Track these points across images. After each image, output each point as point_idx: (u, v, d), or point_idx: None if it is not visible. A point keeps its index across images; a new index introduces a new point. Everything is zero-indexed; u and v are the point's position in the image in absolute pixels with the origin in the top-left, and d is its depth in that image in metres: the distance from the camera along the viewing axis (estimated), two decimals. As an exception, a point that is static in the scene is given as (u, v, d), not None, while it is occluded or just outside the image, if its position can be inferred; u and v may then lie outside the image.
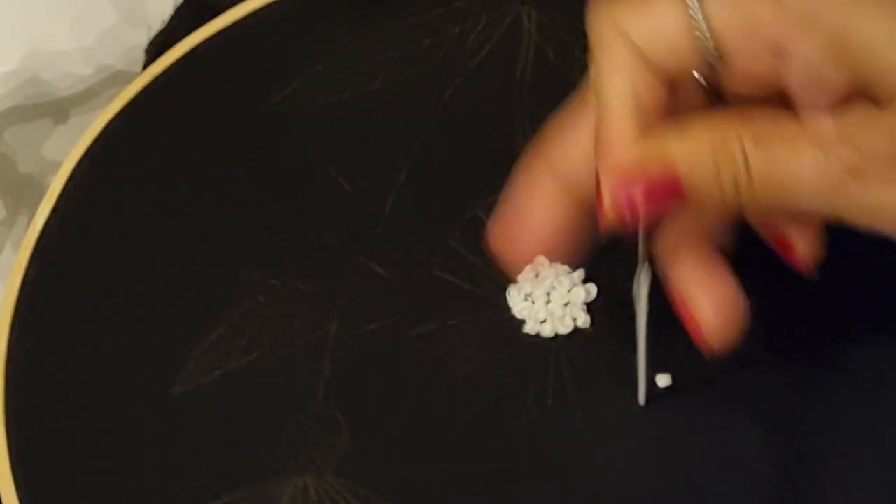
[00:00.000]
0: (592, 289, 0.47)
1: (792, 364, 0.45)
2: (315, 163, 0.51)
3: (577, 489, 0.44)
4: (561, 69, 0.52)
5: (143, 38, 0.57)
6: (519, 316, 0.47)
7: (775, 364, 0.45)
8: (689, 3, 0.36)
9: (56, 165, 0.51)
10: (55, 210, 0.51)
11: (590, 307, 0.46)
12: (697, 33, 0.36)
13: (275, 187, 0.51)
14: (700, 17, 0.36)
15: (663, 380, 0.45)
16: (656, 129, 0.37)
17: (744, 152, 0.35)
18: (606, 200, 0.38)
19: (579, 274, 0.47)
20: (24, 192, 0.57)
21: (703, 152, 0.36)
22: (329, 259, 0.49)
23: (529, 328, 0.46)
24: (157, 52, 0.55)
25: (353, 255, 0.49)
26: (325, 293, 0.48)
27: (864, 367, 0.44)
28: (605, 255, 0.47)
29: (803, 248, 0.39)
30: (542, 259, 0.47)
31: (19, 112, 0.55)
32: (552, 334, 0.46)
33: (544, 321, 0.46)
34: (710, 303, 0.40)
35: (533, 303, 0.47)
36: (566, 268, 0.47)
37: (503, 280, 0.47)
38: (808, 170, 0.35)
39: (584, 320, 0.46)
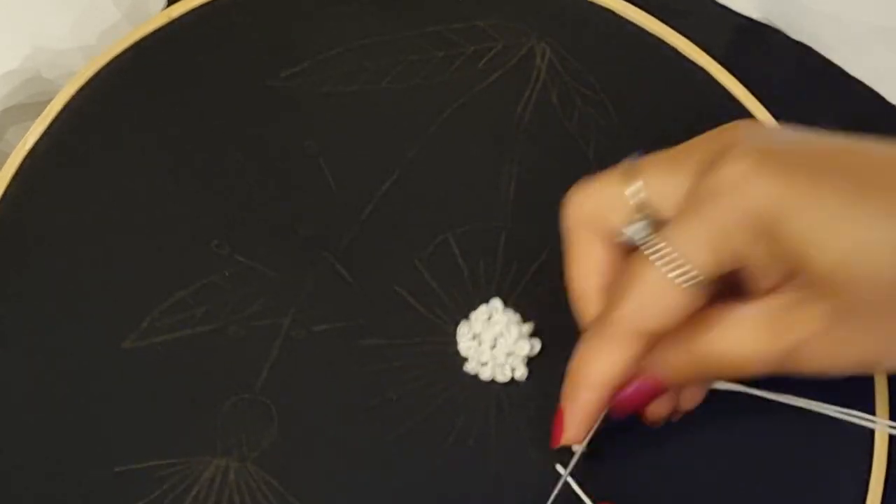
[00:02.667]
0: (537, 344, 0.49)
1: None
2: (307, 151, 0.52)
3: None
4: (559, 115, 0.54)
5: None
6: (463, 353, 0.49)
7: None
8: (674, 271, 0.42)
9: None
10: (31, 154, 0.52)
11: (530, 361, 0.49)
12: (693, 282, 0.42)
13: (263, 166, 0.52)
14: (683, 275, 0.42)
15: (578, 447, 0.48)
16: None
17: (706, 361, 0.43)
18: (570, 429, 0.45)
19: (528, 327, 0.49)
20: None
21: (678, 366, 0.44)
22: (299, 251, 0.50)
23: (470, 367, 0.49)
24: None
25: (322, 252, 0.50)
26: (287, 283, 0.50)
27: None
28: (556, 312, 0.49)
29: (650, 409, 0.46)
30: (497, 303, 0.49)
31: (21, 111, 0.55)
32: (489, 378, 0.49)
33: (485, 364, 0.49)
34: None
35: (480, 344, 0.49)
36: (518, 317, 0.49)
37: (457, 312, 0.50)
38: (755, 360, 0.42)
39: (521, 373, 0.49)
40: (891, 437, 0.48)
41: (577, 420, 0.45)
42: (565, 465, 0.46)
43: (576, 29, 0.56)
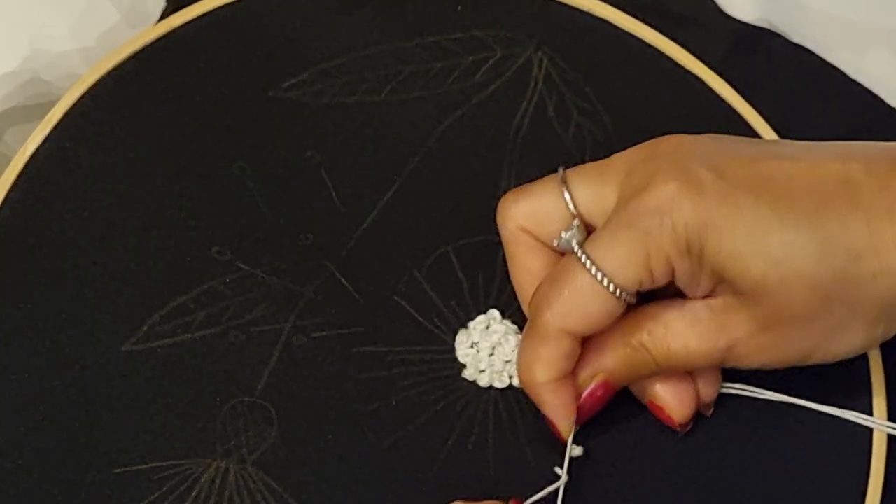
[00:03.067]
0: (534, 352, 0.50)
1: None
2: (308, 161, 0.53)
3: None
4: (556, 127, 0.54)
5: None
6: (462, 360, 0.50)
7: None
8: (600, 280, 0.45)
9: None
10: (32, 160, 0.52)
11: (528, 368, 0.50)
12: (621, 295, 0.46)
13: (264, 175, 0.53)
14: (615, 288, 0.45)
15: (577, 450, 0.48)
16: (587, 354, 0.47)
17: (650, 353, 0.46)
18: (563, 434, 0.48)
19: (526, 335, 0.50)
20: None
21: (624, 362, 0.47)
22: (300, 259, 0.51)
23: (468, 374, 0.49)
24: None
25: (322, 260, 0.51)
26: (288, 290, 0.50)
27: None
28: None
29: (675, 410, 0.48)
30: (494, 313, 0.50)
31: (20, 112, 0.55)
32: (487, 385, 0.49)
33: (483, 371, 0.49)
34: (671, 396, 0.49)
35: (478, 352, 0.50)
36: (515, 327, 0.50)
37: (455, 323, 0.50)
38: (696, 350, 0.46)
39: (518, 380, 0.49)
40: (889, 436, 0.49)
41: (556, 416, 0.47)
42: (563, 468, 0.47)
43: (573, 38, 0.56)
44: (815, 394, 0.49)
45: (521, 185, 0.53)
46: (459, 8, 0.56)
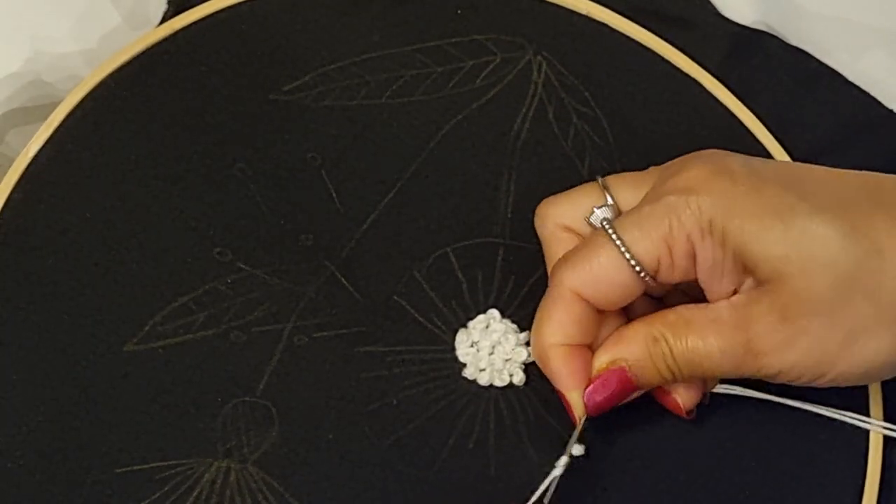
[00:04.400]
0: (534, 352, 0.50)
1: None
2: (310, 163, 0.53)
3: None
4: (555, 131, 0.55)
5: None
6: (462, 359, 0.50)
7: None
8: (623, 252, 0.46)
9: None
10: (34, 161, 0.52)
11: (527, 367, 0.50)
12: (637, 268, 0.46)
13: (265, 177, 0.53)
14: (631, 257, 0.46)
15: (577, 449, 0.48)
16: (606, 342, 0.48)
17: (668, 346, 0.46)
18: (576, 410, 0.48)
19: (525, 335, 0.50)
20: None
21: (642, 353, 0.47)
22: (301, 260, 0.51)
23: (469, 373, 0.50)
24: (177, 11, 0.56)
25: (323, 261, 0.51)
26: (289, 290, 0.51)
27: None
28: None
29: (683, 394, 0.48)
30: (494, 312, 0.50)
31: (21, 114, 0.55)
32: (487, 384, 0.50)
33: (484, 370, 0.50)
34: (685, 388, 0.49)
35: (478, 351, 0.50)
36: (515, 326, 0.50)
37: (455, 322, 0.50)
38: (713, 349, 0.46)
39: (519, 378, 0.50)
40: (885, 437, 0.49)
41: (568, 387, 0.47)
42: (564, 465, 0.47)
43: (571, 42, 0.57)
44: (812, 395, 0.49)
45: (520, 188, 0.53)
46: (459, 12, 0.57)
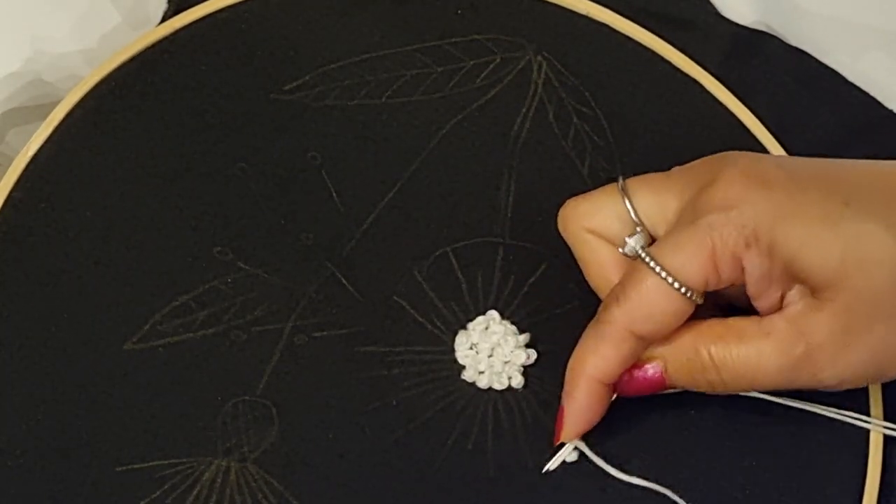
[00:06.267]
0: (533, 354, 0.50)
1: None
2: (310, 162, 0.53)
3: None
4: (556, 131, 0.55)
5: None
6: (461, 361, 0.50)
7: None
8: (666, 279, 0.45)
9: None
10: (34, 160, 0.52)
11: (526, 370, 0.50)
12: (686, 293, 0.45)
13: (266, 176, 0.53)
14: (680, 285, 0.45)
15: (573, 455, 0.48)
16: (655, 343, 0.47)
17: (712, 358, 0.45)
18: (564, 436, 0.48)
19: (525, 337, 0.50)
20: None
21: (683, 361, 0.46)
22: (301, 259, 0.51)
23: (468, 375, 0.50)
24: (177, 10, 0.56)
25: (323, 261, 0.51)
26: (289, 290, 0.51)
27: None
28: (552, 323, 0.50)
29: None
30: (494, 314, 0.50)
31: (21, 114, 0.56)
32: (486, 386, 0.50)
33: (483, 372, 0.50)
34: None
35: (477, 353, 0.50)
36: (514, 328, 0.50)
37: (455, 323, 0.51)
38: (768, 363, 0.45)
39: (518, 381, 0.50)
40: (885, 437, 0.50)
41: (574, 415, 0.47)
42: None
43: (572, 43, 0.57)
44: (812, 395, 0.49)
45: (520, 188, 0.53)
46: (459, 12, 0.57)
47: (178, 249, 0.51)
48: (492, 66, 0.56)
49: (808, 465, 0.49)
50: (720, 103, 0.56)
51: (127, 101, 0.54)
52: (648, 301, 0.45)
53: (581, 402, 0.47)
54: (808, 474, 0.49)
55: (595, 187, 0.49)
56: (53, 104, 0.53)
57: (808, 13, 0.59)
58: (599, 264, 0.48)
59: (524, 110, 0.55)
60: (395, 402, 0.49)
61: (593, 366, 0.46)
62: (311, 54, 0.56)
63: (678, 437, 0.49)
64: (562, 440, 0.48)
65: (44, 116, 0.53)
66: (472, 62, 0.56)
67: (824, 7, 0.59)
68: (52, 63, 0.56)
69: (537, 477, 0.48)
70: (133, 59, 0.55)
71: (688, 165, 0.48)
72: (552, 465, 0.48)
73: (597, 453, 0.48)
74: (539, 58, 0.56)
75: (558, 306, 0.51)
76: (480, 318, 0.50)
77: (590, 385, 0.47)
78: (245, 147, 0.53)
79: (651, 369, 0.47)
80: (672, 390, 0.48)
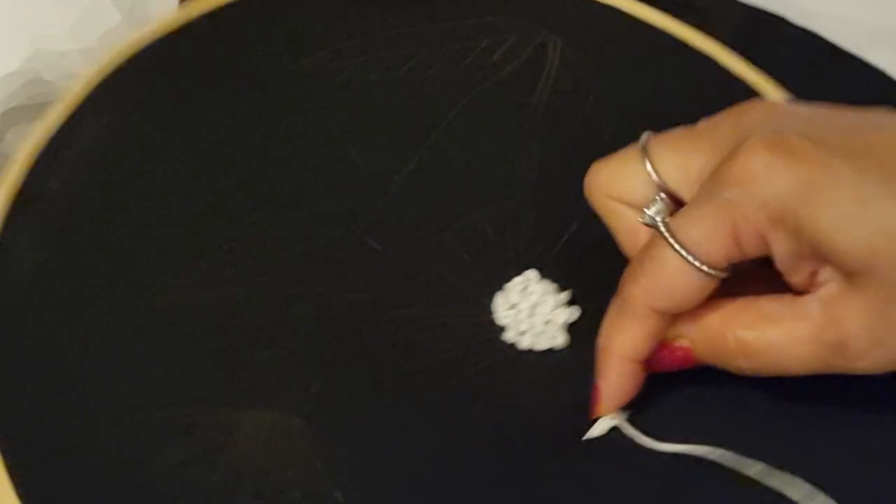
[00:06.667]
0: (575, 311, 0.48)
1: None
2: (331, 132, 0.52)
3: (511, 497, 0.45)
4: (575, 100, 0.54)
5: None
6: (501, 321, 0.48)
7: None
8: (685, 256, 0.43)
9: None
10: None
11: (570, 328, 0.48)
12: (707, 269, 0.43)
13: (288, 148, 0.51)
14: (701, 264, 0.42)
15: (609, 422, 0.46)
16: (686, 314, 0.44)
17: (740, 343, 0.43)
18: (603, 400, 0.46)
19: (566, 295, 0.48)
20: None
21: (708, 343, 0.44)
22: (329, 224, 0.49)
23: (508, 336, 0.48)
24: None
25: (352, 226, 0.49)
26: (319, 255, 0.48)
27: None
28: (589, 281, 0.49)
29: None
30: (532, 273, 0.49)
31: (22, 113, 0.54)
32: (528, 347, 0.47)
33: (524, 333, 0.48)
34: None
35: (517, 313, 0.48)
36: (555, 286, 0.48)
37: (491, 285, 0.49)
38: (799, 351, 0.42)
39: (561, 340, 0.48)
40: None
41: (609, 393, 0.45)
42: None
43: (585, 25, 0.56)
44: None
45: (545, 152, 0.52)
46: (471, -6, 0.56)
47: (205, 213, 0.49)
48: (507, 44, 0.56)
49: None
50: (737, 76, 0.55)
51: (145, 75, 0.52)
52: (667, 278, 0.43)
53: (614, 381, 0.45)
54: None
55: (619, 145, 0.47)
56: (53, 104, 0.52)
57: (810, 12, 0.59)
58: (628, 231, 0.46)
59: (542, 84, 0.54)
60: (430, 366, 0.47)
61: (620, 344, 0.44)
62: (327, 33, 0.55)
63: (720, 406, 0.47)
64: (598, 416, 0.46)
65: (44, 116, 0.52)
66: (486, 41, 0.56)
67: (828, 6, 0.59)
68: (51, 62, 0.55)
69: (577, 443, 0.46)
70: (149, 41, 0.53)
71: (712, 121, 0.45)
72: (592, 433, 0.46)
73: (635, 425, 0.46)
74: (553, 36, 0.56)
75: (596, 264, 0.49)
76: (518, 279, 0.48)
77: (621, 363, 0.45)
78: (264, 120, 0.52)
79: (678, 349, 0.45)
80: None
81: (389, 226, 0.50)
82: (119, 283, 0.47)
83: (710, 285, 0.43)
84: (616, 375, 0.45)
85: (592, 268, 0.49)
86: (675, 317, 0.45)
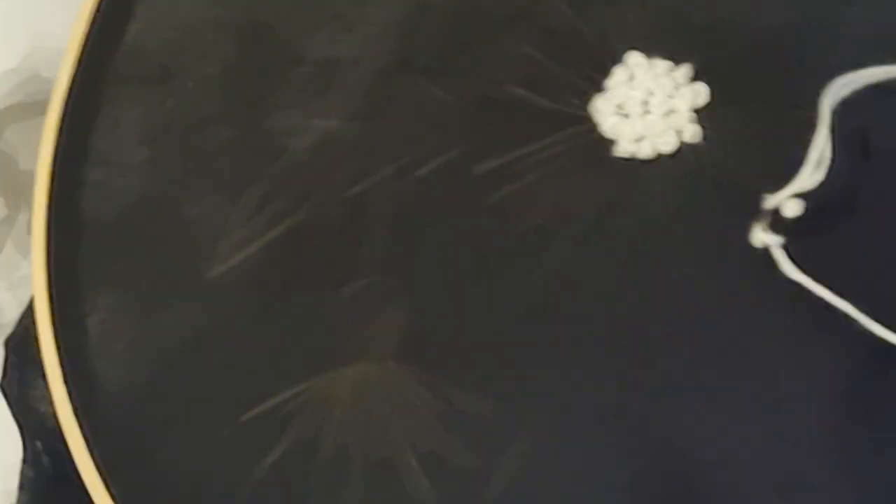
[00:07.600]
0: (703, 89, 0.36)
1: None
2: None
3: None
4: None
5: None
6: (609, 135, 0.36)
7: None
8: None
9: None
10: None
11: (699, 114, 0.36)
12: None
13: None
14: None
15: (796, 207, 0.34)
16: None
17: None
18: None
19: (685, 71, 0.36)
20: (25, 189, 0.54)
21: None
22: (376, 84, 0.39)
23: (622, 149, 0.36)
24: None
25: (419, 77, 0.39)
26: (373, 130, 0.39)
27: None
28: (717, 42, 0.36)
29: None
30: (635, 56, 0.36)
31: (20, 110, 0.54)
32: (652, 155, 0.36)
33: (642, 139, 0.36)
34: None
35: (626, 116, 0.36)
36: (668, 64, 0.36)
37: (586, 89, 0.37)
38: None
39: (692, 132, 0.36)
40: None
41: None
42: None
43: None
44: None
45: None
46: None
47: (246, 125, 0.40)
48: None
49: None
50: None
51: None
52: None
53: None
54: None
55: None
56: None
57: None
58: None
59: None
60: (539, 223, 0.36)
61: None
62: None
63: None
64: None
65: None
66: None
67: None
68: (50, 59, 0.53)
69: (738, 265, 0.34)
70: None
71: None
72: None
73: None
74: None
75: (710, 30, 0.36)
76: (618, 70, 0.36)
77: None
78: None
79: None
80: None
81: (449, 56, 0.39)
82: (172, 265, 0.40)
83: None
84: None
85: (707, 37, 0.36)
86: None
